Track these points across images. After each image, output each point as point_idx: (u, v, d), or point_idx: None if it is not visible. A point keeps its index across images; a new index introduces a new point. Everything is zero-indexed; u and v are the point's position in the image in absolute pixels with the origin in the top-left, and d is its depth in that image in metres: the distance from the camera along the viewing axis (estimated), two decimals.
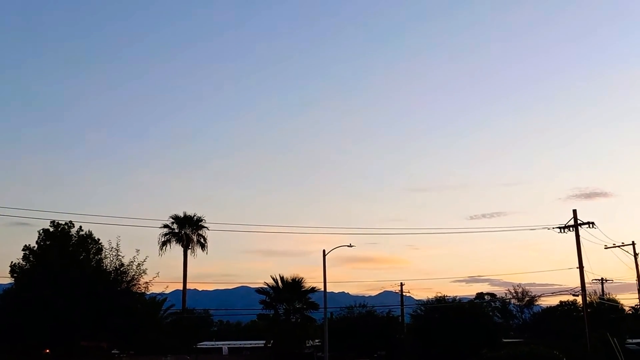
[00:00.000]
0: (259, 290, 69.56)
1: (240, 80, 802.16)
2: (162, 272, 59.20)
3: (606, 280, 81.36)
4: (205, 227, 75.25)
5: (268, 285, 68.82)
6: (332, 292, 64.94)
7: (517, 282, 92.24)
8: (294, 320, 67.94)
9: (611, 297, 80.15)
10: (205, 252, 75.08)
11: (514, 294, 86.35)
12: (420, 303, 79.75)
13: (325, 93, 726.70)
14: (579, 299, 54.77)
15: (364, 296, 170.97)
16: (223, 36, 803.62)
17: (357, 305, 78.01)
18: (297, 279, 68.37)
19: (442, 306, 68.11)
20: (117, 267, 49.25)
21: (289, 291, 67.79)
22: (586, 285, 51.26)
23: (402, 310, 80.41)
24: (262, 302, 69.21)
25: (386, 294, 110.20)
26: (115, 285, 48.33)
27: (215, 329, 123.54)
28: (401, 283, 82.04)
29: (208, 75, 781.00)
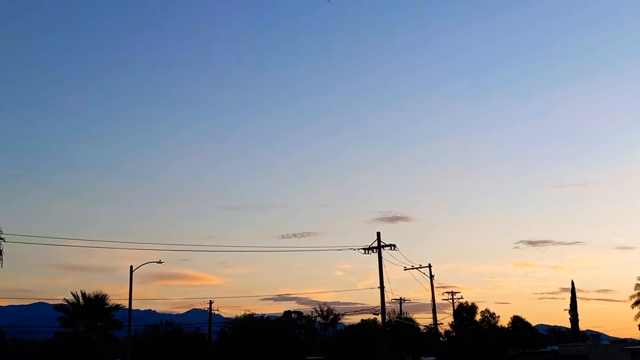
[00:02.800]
0: (58, 307, 65.78)
1: None
2: None
3: (404, 300, 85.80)
4: (2, 239, 69.76)
5: (68, 301, 65.27)
6: (138, 309, 62.71)
7: (324, 300, 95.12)
8: (94, 339, 64.88)
9: (408, 316, 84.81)
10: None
11: (319, 312, 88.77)
12: (229, 321, 79.39)
13: None
14: (380, 318, 57.16)
15: (171, 314, 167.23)
16: None
17: (164, 323, 76.03)
18: (100, 296, 65.53)
19: (250, 324, 68.31)
20: None
21: (91, 308, 64.72)
22: (386, 304, 53.62)
23: (209, 328, 79.54)
24: (60, 319, 65.45)
25: (195, 311, 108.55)
26: None
27: (8, 347, 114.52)
28: (210, 301, 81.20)
29: None
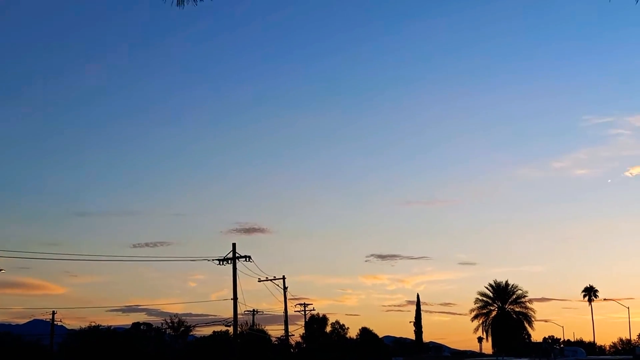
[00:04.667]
0: None
1: None
2: None
3: (258, 312, 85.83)
4: None
5: None
6: None
7: (175, 312, 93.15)
8: None
9: (261, 328, 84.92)
10: None
11: (170, 324, 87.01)
12: (73, 332, 76.00)
13: None
14: (232, 329, 56.91)
15: (10, 324, 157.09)
16: None
17: (1, 333, 71.50)
18: None
19: (96, 336, 65.81)
20: None
21: None
22: (239, 316, 53.59)
23: (51, 339, 75.73)
24: None
25: (36, 322, 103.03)
26: None
27: None
28: (53, 311, 77.38)
29: None
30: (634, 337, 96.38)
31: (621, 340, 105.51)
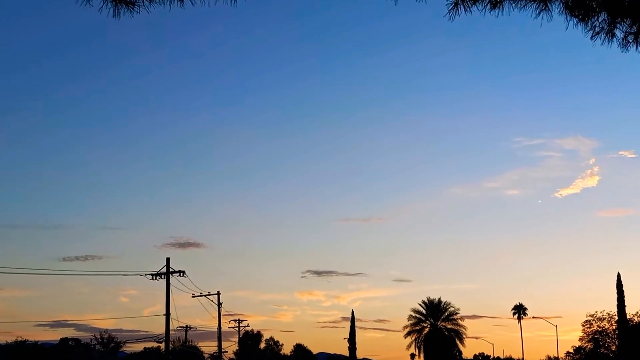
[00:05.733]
0: None
1: None
2: None
3: (191, 328, 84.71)
4: None
5: None
6: None
7: (105, 327, 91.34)
8: None
9: (194, 344, 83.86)
10: None
11: (99, 340, 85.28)
12: None
13: None
14: (163, 346, 56.05)
15: None
16: None
17: None
18: None
19: (22, 351, 63.84)
20: None
21: None
22: (172, 332, 52.80)
23: None
24: None
25: None
26: None
27: None
28: None
29: None
30: (561, 354, 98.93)
31: (549, 357, 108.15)
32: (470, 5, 7.35)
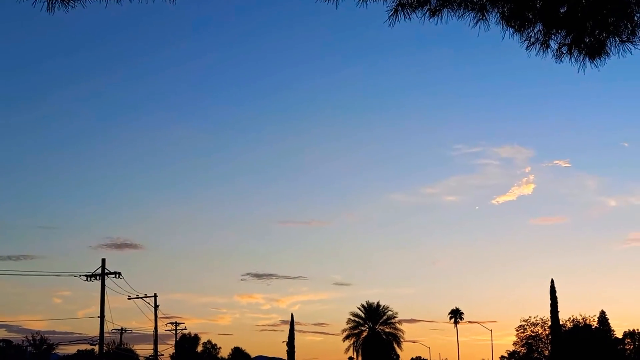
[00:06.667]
0: None
1: None
2: None
3: (126, 330, 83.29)
4: None
5: None
6: None
7: (38, 329, 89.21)
8: None
9: (129, 347, 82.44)
10: None
11: (31, 342, 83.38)
12: None
13: None
14: (97, 348, 54.92)
15: None
16: None
17: None
18: None
19: None
20: None
21: None
22: (106, 334, 51.75)
23: None
24: None
25: None
26: None
27: None
28: None
29: None
30: (496, 358, 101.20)
31: None
32: (409, 13, 7.35)
